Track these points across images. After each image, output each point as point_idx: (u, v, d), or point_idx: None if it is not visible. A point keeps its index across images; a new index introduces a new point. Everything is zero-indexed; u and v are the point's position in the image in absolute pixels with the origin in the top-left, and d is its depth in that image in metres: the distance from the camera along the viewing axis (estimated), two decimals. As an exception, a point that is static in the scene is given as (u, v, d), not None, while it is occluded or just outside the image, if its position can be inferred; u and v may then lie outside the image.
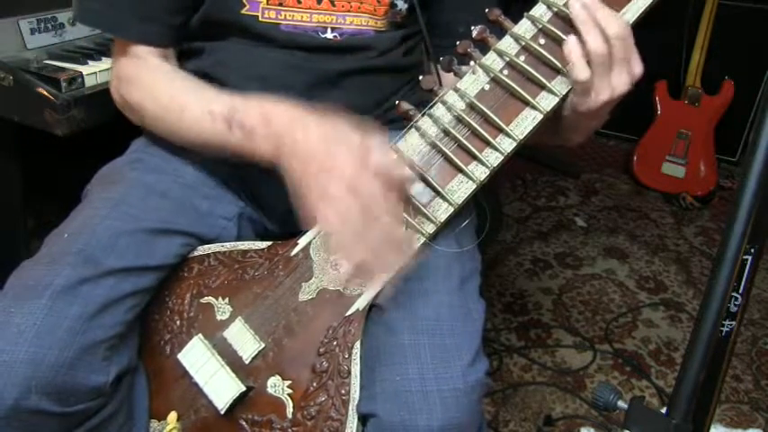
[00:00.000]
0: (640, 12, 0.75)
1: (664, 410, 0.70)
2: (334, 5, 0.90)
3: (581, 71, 0.73)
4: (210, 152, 0.84)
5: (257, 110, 0.78)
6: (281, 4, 0.88)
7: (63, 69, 1.14)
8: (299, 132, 0.73)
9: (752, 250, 0.70)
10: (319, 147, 0.72)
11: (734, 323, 0.73)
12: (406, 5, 0.94)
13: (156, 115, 0.88)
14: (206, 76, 0.93)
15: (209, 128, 0.81)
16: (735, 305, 0.72)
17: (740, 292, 0.71)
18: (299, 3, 0.89)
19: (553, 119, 0.79)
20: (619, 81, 0.73)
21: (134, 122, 0.95)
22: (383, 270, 0.74)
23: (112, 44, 0.94)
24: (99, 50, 1.23)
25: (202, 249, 0.89)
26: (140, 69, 0.90)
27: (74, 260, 0.78)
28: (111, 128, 1.05)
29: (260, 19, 0.88)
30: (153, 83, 0.89)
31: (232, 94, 0.81)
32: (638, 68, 0.74)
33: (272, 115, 0.76)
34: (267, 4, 0.88)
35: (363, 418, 0.78)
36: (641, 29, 0.76)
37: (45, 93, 1.09)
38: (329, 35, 0.91)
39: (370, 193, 0.68)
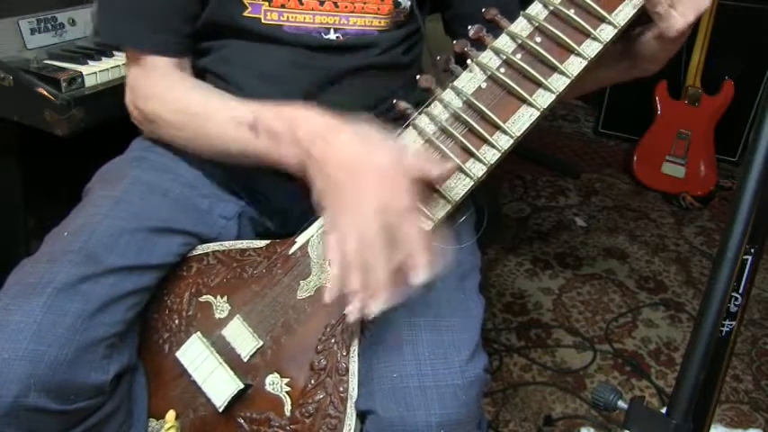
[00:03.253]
0: (636, 10, 0.75)
1: (664, 410, 0.70)
2: (337, 6, 0.90)
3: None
4: (231, 160, 0.83)
5: (284, 115, 0.76)
6: (283, 6, 0.88)
7: (63, 69, 1.14)
8: (331, 139, 0.72)
9: (752, 250, 0.69)
10: (352, 156, 0.70)
11: (734, 323, 0.72)
12: (409, 3, 0.94)
13: (177, 125, 0.87)
14: (210, 75, 0.94)
15: (233, 135, 0.80)
16: (735, 305, 0.72)
17: (740, 292, 0.71)
18: (302, 4, 0.88)
19: (627, 55, 0.80)
20: None
21: (149, 135, 0.94)
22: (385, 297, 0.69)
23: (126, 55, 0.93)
24: (99, 50, 1.23)
25: (201, 248, 0.90)
26: (157, 81, 0.89)
27: (74, 258, 0.78)
28: (111, 128, 1.05)
29: (263, 21, 0.88)
30: (171, 93, 0.88)
31: (255, 101, 0.80)
32: None
33: (300, 121, 0.75)
34: (269, 6, 0.88)
35: (362, 415, 0.78)
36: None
37: (45, 93, 1.09)
38: (332, 36, 0.91)
39: (397, 218, 0.66)
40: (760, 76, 2.59)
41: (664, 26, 0.75)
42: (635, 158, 2.65)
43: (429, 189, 0.79)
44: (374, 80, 0.95)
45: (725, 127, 2.57)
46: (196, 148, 0.88)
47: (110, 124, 1.07)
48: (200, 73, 0.95)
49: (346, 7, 0.90)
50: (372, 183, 0.67)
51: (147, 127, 0.92)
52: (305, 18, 0.89)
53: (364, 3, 0.90)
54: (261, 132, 0.77)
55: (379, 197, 0.67)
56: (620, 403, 0.75)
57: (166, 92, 0.88)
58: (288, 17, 0.88)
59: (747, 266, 0.70)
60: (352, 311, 0.68)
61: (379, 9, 0.91)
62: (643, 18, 0.77)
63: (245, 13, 0.88)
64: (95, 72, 1.15)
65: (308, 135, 0.73)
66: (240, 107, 0.80)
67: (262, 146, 0.77)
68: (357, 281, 0.67)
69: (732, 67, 2.53)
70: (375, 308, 0.67)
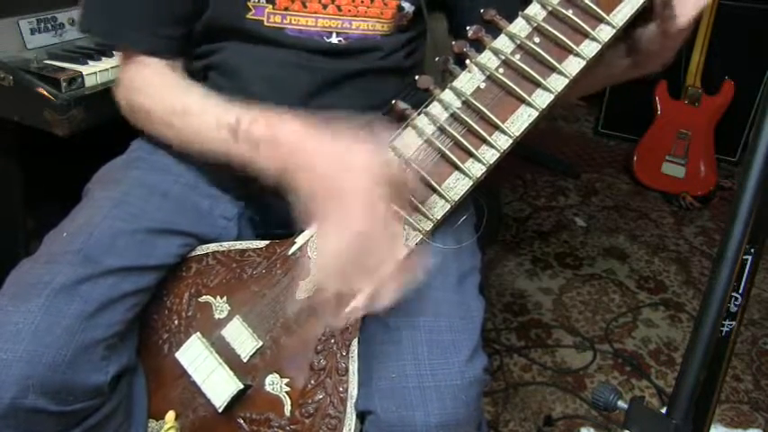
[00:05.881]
0: (634, 10, 0.75)
1: (664, 410, 0.70)
2: (340, 10, 0.89)
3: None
4: (214, 159, 0.83)
5: (264, 121, 0.76)
6: (286, 9, 0.88)
7: (63, 69, 1.14)
8: (309, 146, 0.72)
9: (752, 250, 0.69)
10: (330, 165, 0.70)
11: (734, 323, 0.72)
12: (413, 8, 0.94)
13: (163, 120, 0.87)
14: (211, 76, 0.94)
15: (213, 136, 0.80)
16: (735, 305, 0.71)
17: (740, 292, 0.71)
18: (305, 7, 0.88)
19: (631, 55, 0.80)
20: None
21: (138, 128, 0.94)
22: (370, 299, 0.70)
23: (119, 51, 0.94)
24: (99, 50, 1.23)
25: (201, 249, 0.90)
26: (147, 76, 0.89)
27: (73, 259, 0.78)
28: (111, 128, 1.05)
29: (265, 24, 0.88)
30: (161, 90, 0.88)
31: (239, 103, 0.80)
32: None
33: (280, 127, 0.75)
34: (273, 9, 0.87)
35: (361, 415, 0.78)
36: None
37: (45, 93, 1.09)
38: (334, 39, 0.90)
39: (378, 224, 0.67)
40: (760, 76, 2.59)
41: (665, 21, 0.75)
42: (635, 158, 2.65)
43: (428, 189, 0.79)
44: (375, 84, 0.95)
45: (725, 127, 2.57)
46: (182, 145, 0.87)
47: (110, 124, 1.07)
48: (201, 74, 0.95)
49: (349, 11, 0.90)
50: (354, 202, 0.67)
51: (134, 119, 0.93)
52: (308, 21, 0.89)
53: (367, 7, 0.90)
54: (240, 138, 0.77)
55: (359, 220, 0.67)
56: (620, 403, 0.75)
57: (157, 88, 0.89)
58: (291, 20, 0.88)
59: (747, 266, 0.70)
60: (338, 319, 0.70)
61: (382, 13, 0.91)
62: (643, 16, 0.77)
63: (248, 16, 0.88)
64: (95, 72, 1.15)
65: (287, 141, 0.73)
66: (224, 109, 0.80)
67: (241, 150, 0.77)
68: (333, 288, 0.68)
69: (732, 67, 2.53)
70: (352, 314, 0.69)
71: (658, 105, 2.60)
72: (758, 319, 1.93)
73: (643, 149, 2.64)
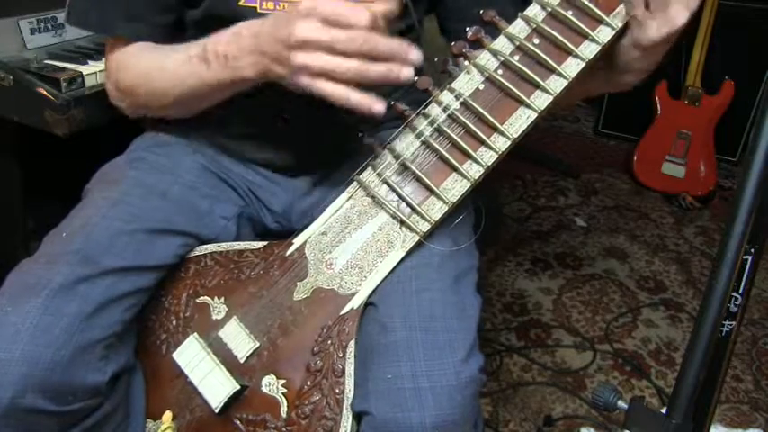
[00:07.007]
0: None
1: (664, 410, 0.70)
2: None
3: (635, 5, 0.73)
4: (196, 103, 0.87)
5: (226, 36, 0.80)
6: None
7: (63, 69, 1.14)
8: (254, 27, 0.77)
9: (752, 250, 0.70)
10: (275, 20, 0.75)
11: (734, 323, 0.72)
12: None
13: (144, 80, 0.89)
14: None
15: (187, 71, 0.83)
16: (735, 305, 0.72)
17: (740, 292, 0.71)
18: None
19: (605, 66, 0.79)
20: (675, 12, 0.72)
21: (130, 112, 0.95)
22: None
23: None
24: (99, 50, 1.23)
25: (199, 249, 0.90)
26: (131, 53, 0.91)
27: (72, 259, 0.78)
28: (111, 128, 1.05)
29: (258, 10, 0.88)
30: (138, 58, 0.91)
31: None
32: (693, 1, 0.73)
33: (236, 27, 0.79)
34: None
35: (357, 416, 0.78)
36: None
37: (45, 93, 1.09)
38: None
39: (331, 12, 0.71)
40: (760, 76, 2.59)
41: (638, 33, 0.75)
42: (635, 158, 2.65)
43: (426, 191, 0.79)
44: None
45: (725, 127, 2.57)
46: (161, 99, 0.89)
47: (110, 124, 1.07)
48: None
49: None
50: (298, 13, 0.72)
51: (125, 103, 0.94)
52: None
53: None
54: (210, 60, 0.81)
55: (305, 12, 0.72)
56: (620, 403, 0.76)
57: (131, 59, 0.91)
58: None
59: (747, 266, 0.70)
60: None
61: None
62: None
63: (242, 2, 0.88)
64: (95, 72, 1.15)
65: (249, 29, 0.78)
66: (188, 45, 0.85)
67: (214, 73, 0.81)
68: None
69: (732, 67, 2.53)
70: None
71: (658, 105, 2.60)
72: (758, 319, 1.93)
73: (643, 149, 2.64)
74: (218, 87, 0.83)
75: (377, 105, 0.72)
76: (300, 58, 0.72)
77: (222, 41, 0.80)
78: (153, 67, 0.89)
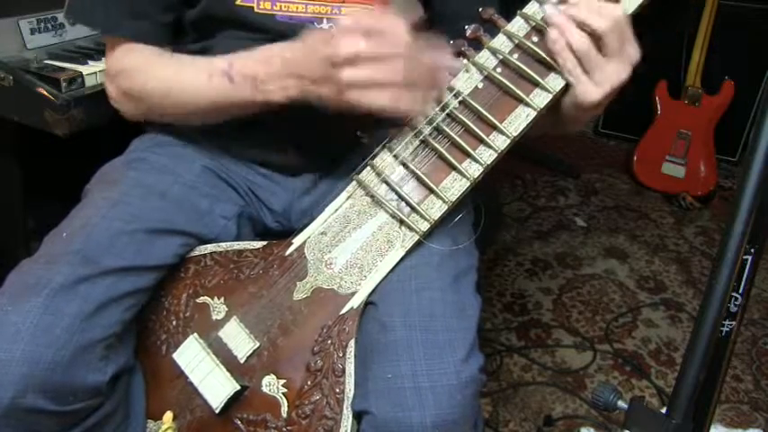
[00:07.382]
0: (633, 9, 0.75)
1: (664, 410, 0.70)
2: None
3: (567, 64, 0.74)
4: (210, 117, 0.87)
5: (253, 57, 0.81)
6: None
7: (63, 69, 1.15)
8: (285, 52, 0.78)
9: (752, 250, 0.70)
10: (308, 43, 0.76)
11: (734, 323, 0.73)
12: None
13: (159, 92, 0.89)
14: None
15: (211, 87, 0.83)
16: (735, 305, 0.72)
17: (740, 292, 0.71)
18: None
19: (553, 111, 0.79)
20: (615, 70, 0.73)
21: (133, 116, 0.95)
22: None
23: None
24: (99, 50, 1.23)
25: (199, 250, 0.90)
26: (136, 57, 0.91)
27: (72, 259, 0.78)
28: (111, 128, 1.05)
29: (255, 10, 0.89)
30: (151, 64, 0.90)
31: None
32: (634, 54, 0.74)
33: (267, 48, 0.80)
34: None
35: (358, 416, 0.78)
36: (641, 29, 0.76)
37: (45, 93, 1.09)
38: (324, 26, 0.90)
39: (375, 47, 0.71)
40: (760, 76, 2.59)
41: (579, 93, 0.76)
42: (635, 158, 2.65)
43: (426, 190, 0.79)
44: None
45: (725, 127, 2.57)
46: (181, 111, 0.89)
47: (110, 124, 1.07)
48: None
49: None
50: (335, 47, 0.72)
51: (127, 107, 0.93)
52: (297, 8, 0.89)
53: None
54: (236, 78, 0.81)
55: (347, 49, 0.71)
56: (620, 403, 0.76)
57: (148, 64, 0.90)
58: (281, 6, 0.89)
59: (747, 266, 0.70)
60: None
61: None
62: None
63: (238, 2, 0.88)
64: (95, 72, 1.15)
65: (282, 53, 0.78)
66: (212, 61, 0.85)
67: (240, 93, 0.81)
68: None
69: (732, 67, 2.53)
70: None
71: (658, 105, 2.60)
72: (758, 319, 1.93)
73: (643, 149, 2.64)
74: (243, 106, 0.83)
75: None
76: (349, 73, 0.72)
77: (249, 64, 0.81)
78: (170, 78, 0.88)
